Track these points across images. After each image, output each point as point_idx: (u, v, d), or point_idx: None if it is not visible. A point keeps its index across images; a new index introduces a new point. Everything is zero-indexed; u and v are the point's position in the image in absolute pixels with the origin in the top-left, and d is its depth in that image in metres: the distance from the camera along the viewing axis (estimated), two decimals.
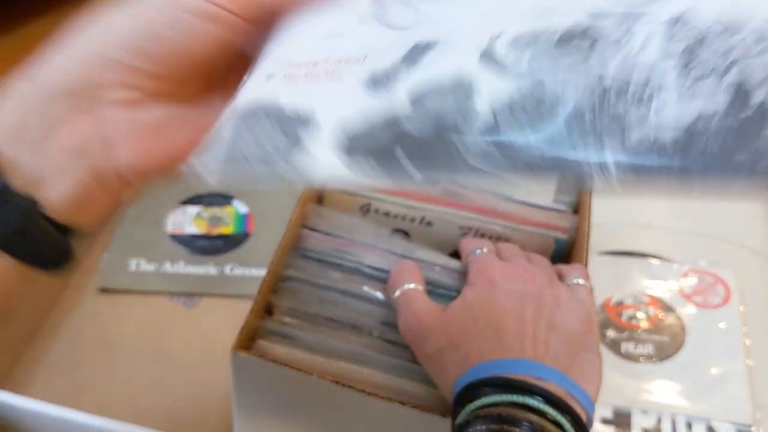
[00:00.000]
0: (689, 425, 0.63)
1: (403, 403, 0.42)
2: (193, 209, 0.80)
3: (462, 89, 0.26)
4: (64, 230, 0.28)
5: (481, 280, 0.45)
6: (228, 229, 0.78)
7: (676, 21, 0.25)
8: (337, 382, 0.42)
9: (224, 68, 0.29)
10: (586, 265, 0.49)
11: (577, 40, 0.25)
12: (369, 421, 0.45)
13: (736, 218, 0.81)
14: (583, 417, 0.39)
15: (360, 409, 0.44)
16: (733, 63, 0.23)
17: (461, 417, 0.38)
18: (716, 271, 0.74)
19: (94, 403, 0.64)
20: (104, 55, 0.26)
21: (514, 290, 0.44)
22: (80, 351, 0.68)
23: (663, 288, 0.73)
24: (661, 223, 0.79)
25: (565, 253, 0.54)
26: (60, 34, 0.27)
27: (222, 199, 0.81)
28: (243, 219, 0.79)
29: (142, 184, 0.29)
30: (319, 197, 0.54)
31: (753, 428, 0.63)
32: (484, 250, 0.49)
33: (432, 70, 0.27)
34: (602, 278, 0.72)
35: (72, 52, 0.27)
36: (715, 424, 0.63)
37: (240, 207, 0.80)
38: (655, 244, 0.77)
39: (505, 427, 0.36)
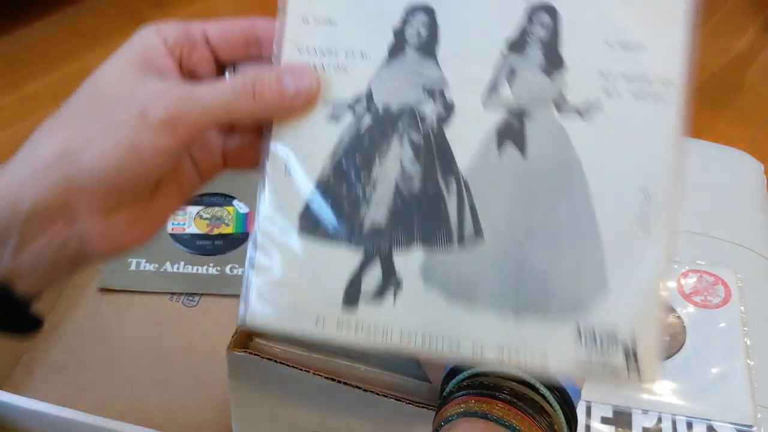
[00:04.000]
0: (690, 425, 0.63)
1: (399, 399, 0.42)
2: (193, 209, 0.80)
3: None
4: (29, 304, 0.33)
5: None
6: (228, 229, 0.78)
7: None
8: (333, 379, 0.42)
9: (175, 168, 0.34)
10: None
11: None
12: (365, 417, 0.45)
13: (736, 218, 0.80)
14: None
15: (356, 405, 0.44)
16: None
17: (446, 390, 0.39)
18: (716, 271, 0.74)
19: (94, 403, 0.65)
20: (75, 184, 0.30)
21: None
22: (80, 351, 0.69)
23: None
24: None
25: None
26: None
27: (222, 199, 0.81)
28: (243, 219, 0.79)
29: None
30: None
31: (754, 429, 0.63)
32: None
33: None
34: None
35: (45, 176, 0.30)
36: (715, 424, 0.63)
37: (240, 207, 0.80)
38: None
39: (485, 391, 0.36)
